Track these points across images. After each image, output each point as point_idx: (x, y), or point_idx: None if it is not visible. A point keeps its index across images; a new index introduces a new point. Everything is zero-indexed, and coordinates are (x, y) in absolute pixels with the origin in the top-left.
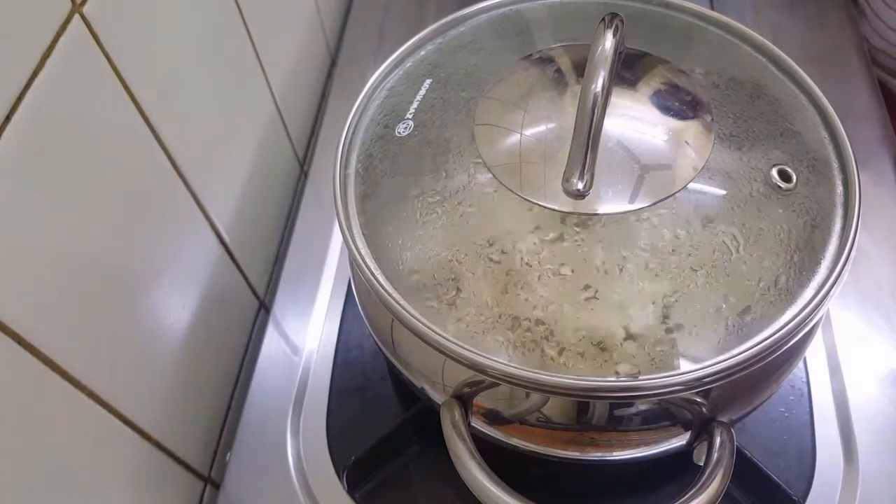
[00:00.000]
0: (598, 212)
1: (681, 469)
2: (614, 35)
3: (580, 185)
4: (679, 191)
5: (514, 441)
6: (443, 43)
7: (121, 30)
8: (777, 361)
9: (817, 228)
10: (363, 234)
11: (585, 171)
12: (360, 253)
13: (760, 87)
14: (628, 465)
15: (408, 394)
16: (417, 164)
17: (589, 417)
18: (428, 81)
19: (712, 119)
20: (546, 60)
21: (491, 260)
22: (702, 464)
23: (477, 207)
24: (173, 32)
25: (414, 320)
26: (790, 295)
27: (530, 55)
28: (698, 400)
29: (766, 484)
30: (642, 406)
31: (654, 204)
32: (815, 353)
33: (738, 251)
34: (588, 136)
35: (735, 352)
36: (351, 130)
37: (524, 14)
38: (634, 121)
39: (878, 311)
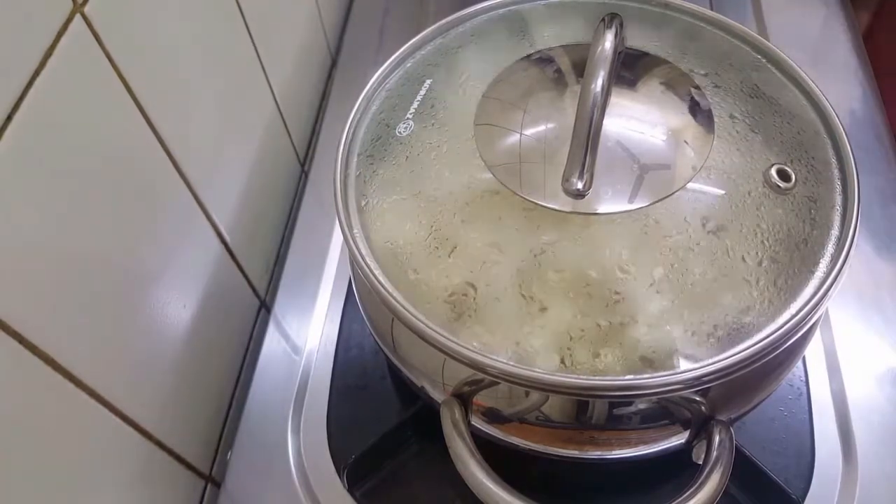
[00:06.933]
0: (598, 211)
1: (680, 468)
2: (614, 35)
3: (580, 185)
4: (678, 190)
5: (514, 440)
6: (443, 43)
7: (122, 30)
8: (776, 360)
9: (816, 228)
10: (363, 234)
11: (585, 171)
12: (360, 252)
13: (760, 88)
14: (628, 464)
15: (408, 393)
16: (417, 163)
17: (588, 416)
18: (428, 81)
19: (712, 119)
20: (546, 60)
21: (491, 259)
22: (701, 462)
23: (476, 207)
24: (175, 32)
25: (414, 319)
26: (789, 294)
27: (530, 55)
28: (697, 399)
29: (765, 482)
30: (641, 405)
31: (654, 203)
32: (814, 353)
33: (736, 250)
34: (587, 135)
35: (734, 351)
36: (351, 130)
37: (524, 14)
38: (634, 121)
39: (877, 310)
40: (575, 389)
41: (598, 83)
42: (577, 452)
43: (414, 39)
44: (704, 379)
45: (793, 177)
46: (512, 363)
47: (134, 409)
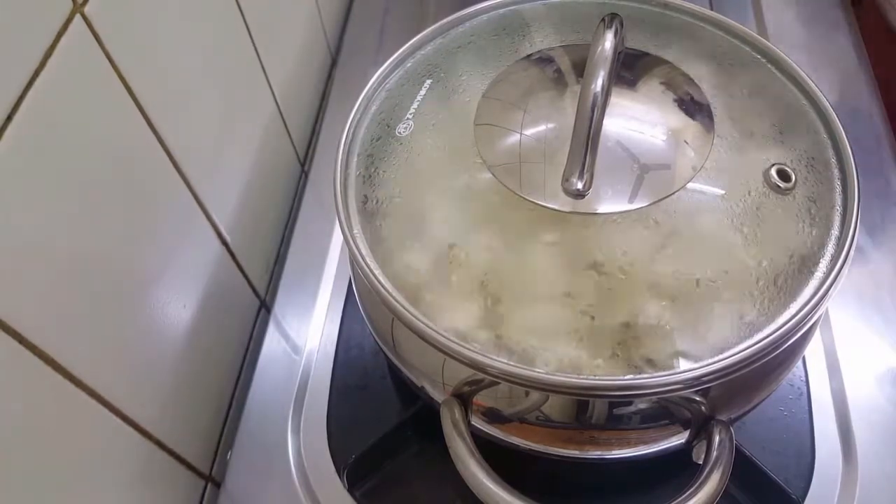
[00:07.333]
0: (598, 211)
1: (680, 467)
2: (614, 35)
3: (580, 185)
4: (678, 190)
5: (514, 440)
6: (443, 43)
7: (122, 30)
8: (776, 360)
9: (816, 228)
10: (363, 234)
11: (585, 171)
12: (360, 252)
13: (760, 88)
14: (627, 464)
15: (408, 393)
16: (417, 164)
17: (588, 416)
18: (428, 81)
19: (712, 119)
20: (546, 60)
21: (490, 259)
22: (701, 462)
23: (477, 207)
24: (175, 32)
25: (414, 319)
26: (789, 294)
27: (530, 55)
28: (697, 399)
29: (765, 482)
30: (641, 405)
31: (654, 203)
32: (814, 353)
33: (736, 250)
34: (587, 135)
35: (734, 351)
36: (351, 130)
37: (524, 14)
38: (634, 121)
39: (877, 310)
40: (575, 389)
41: (598, 83)
42: (577, 452)
43: (414, 39)
44: (704, 379)
45: (793, 177)
46: (512, 363)
47: (134, 409)
